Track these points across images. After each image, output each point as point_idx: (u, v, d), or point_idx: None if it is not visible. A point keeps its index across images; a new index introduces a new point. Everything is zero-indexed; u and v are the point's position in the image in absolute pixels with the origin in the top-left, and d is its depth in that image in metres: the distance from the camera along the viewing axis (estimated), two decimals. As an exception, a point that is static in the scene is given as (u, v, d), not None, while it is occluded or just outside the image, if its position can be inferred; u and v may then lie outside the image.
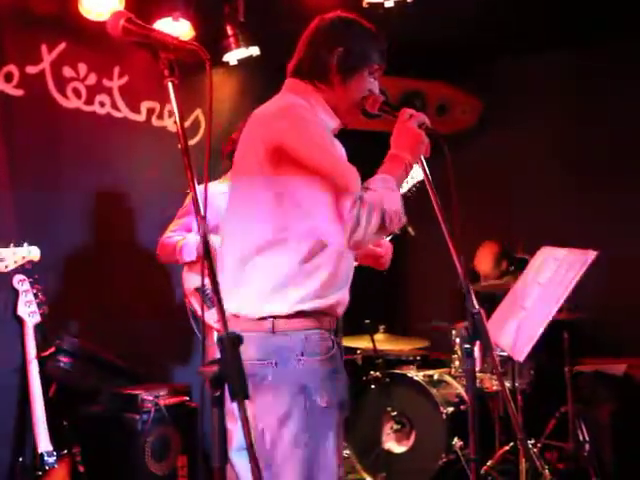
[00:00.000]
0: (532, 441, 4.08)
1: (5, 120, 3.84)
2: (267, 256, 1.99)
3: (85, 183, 4.16)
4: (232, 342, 1.39)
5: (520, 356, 2.67)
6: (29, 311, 3.49)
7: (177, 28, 4.07)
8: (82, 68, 4.18)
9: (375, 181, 2.01)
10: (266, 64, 4.37)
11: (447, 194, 2.00)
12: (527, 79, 5.49)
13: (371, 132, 4.05)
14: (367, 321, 4.43)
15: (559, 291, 2.67)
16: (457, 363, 4.46)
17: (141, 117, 4.46)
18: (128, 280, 4.28)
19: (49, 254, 3.67)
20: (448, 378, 4.52)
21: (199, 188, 1.49)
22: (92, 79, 4.23)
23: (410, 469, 4.20)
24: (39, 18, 3.94)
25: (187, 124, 4.60)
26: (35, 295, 3.53)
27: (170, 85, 1.52)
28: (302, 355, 1.99)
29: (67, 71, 4.12)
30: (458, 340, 4.44)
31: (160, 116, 4.53)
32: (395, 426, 4.28)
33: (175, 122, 1.53)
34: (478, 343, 2.06)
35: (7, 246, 3.29)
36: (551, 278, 2.81)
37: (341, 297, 2.10)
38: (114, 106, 4.33)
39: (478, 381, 4.32)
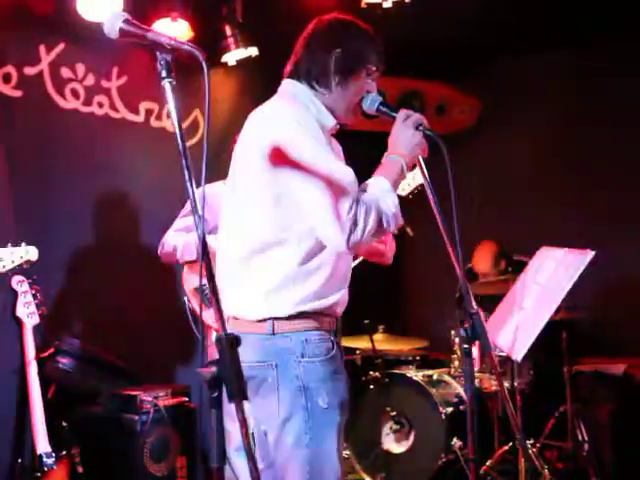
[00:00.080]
0: (531, 441, 4.08)
1: (3, 121, 3.84)
2: (266, 257, 1.99)
3: (84, 184, 4.16)
4: (230, 343, 1.39)
5: (518, 356, 2.67)
6: (28, 312, 3.49)
7: (175, 29, 4.06)
8: (80, 69, 4.18)
9: (372, 183, 2.01)
10: (265, 65, 4.38)
11: (446, 195, 2.00)
12: (526, 79, 5.49)
13: (369, 132, 4.05)
14: (366, 321, 4.43)
15: (557, 291, 2.67)
16: (456, 363, 4.47)
17: (140, 118, 4.46)
18: (128, 280, 4.27)
19: (48, 254, 3.67)
20: (447, 378, 4.52)
21: (198, 188, 1.49)
22: (90, 80, 4.23)
23: (409, 469, 4.20)
24: (37, 19, 3.94)
25: (185, 125, 4.60)
26: (34, 296, 3.53)
27: (167, 86, 1.52)
28: (302, 357, 1.99)
29: (65, 72, 4.12)
30: (457, 340, 4.43)
31: (159, 117, 4.53)
32: (394, 426, 4.28)
33: (174, 121, 1.53)
34: (477, 343, 2.06)
35: (5, 246, 3.29)
36: (549, 278, 2.81)
37: (340, 297, 2.11)
38: (112, 107, 4.33)
39: (477, 381, 4.32)
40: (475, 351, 4.19)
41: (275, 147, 1.93)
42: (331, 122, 2.16)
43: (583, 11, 4.66)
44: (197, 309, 3.62)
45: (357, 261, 3.90)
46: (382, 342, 4.67)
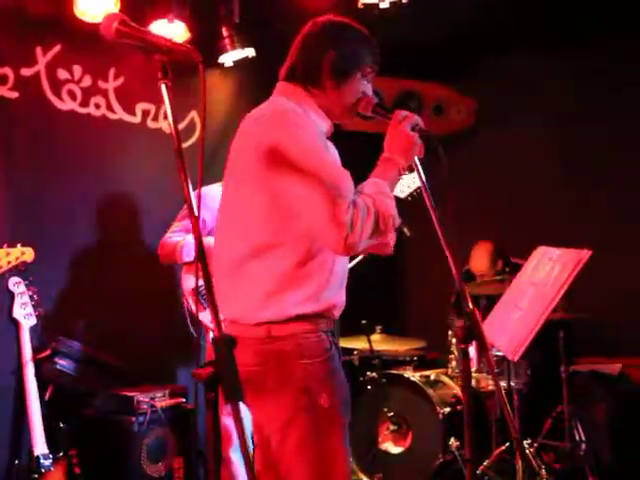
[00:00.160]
0: (528, 441, 4.08)
1: (0, 122, 3.84)
2: (263, 259, 1.98)
3: (80, 185, 4.16)
4: (226, 344, 1.39)
5: (515, 356, 2.67)
6: (25, 313, 3.50)
7: (172, 30, 4.06)
8: (77, 70, 4.18)
9: (368, 185, 2.01)
10: (262, 65, 4.38)
11: (443, 195, 2.00)
12: (523, 79, 5.49)
13: (366, 133, 4.06)
14: (364, 322, 4.44)
15: (553, 291, 2.67)
16: (454, 363, 4.47)
17: (136, 119, 4.46)
18: (125, 281, 4.27)
19: (45, 256, 3.68)
20: (445, 378, 4.53)
21: (196, 190, 1.50)
22: (87, 81, 4.22)
23: (407, 470, 4.20)
24: (34, 20, 3.94)
25: (182, 126, 4.61)
26: (31, 297, 3.54)
27: (163, 87, 1.52)
28: (301, 358, 1.99)
29: (62, 73, 4.12)
30: (454, 340, 4.44)
31: (155, 118, 4.53)
32: (392, 427, 4.29)
33: (170, 123, 1.53)
34: (474, 343, 2.06)
35: (0, 247, 3.30)
36: (545, 278, 2.81)
37: (338, 300, 2.10)
38: (109, 108, 4.32)
39: (474, 381, 4.33)
40: (472, 351, 4.20)
41: (271, 149, 1.93)
42: (327, 124, 2.16)
43: (581, 11, 4.67)
44: (195, 309, 3.63)
45: (354, 262, 3.91)
46: (379, 342, 4.67)
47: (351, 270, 3.16)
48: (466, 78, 5.63)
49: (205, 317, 3.56)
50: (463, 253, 4.97)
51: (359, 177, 2.07)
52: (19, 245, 3.38)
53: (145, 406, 3.72)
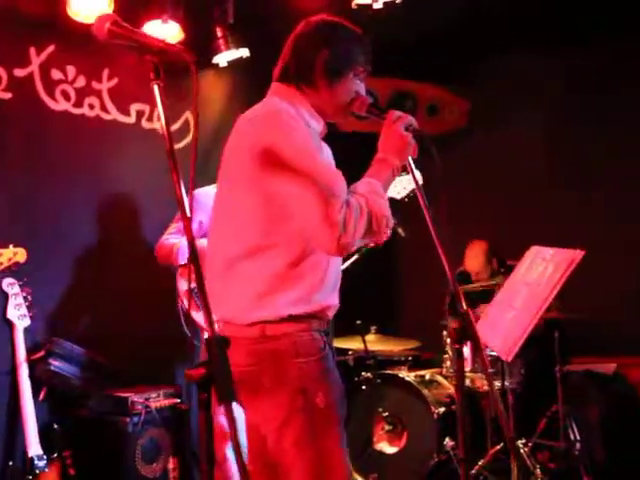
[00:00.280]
0: (523, 441, 4.09)
1: (-6, 123, 3.85)
2: (255, 260, 1.98)
3: (74, 185, 4.15)
4: (219, 344, 1.39)
5: (508, 356, 2.67)
6: (19, 314, 3.49)
7: (166, 30, 4.06)
8: (71, 70, 4.17)
9: (362, 185, 2.01)
10: (256, 66, 4.37)
11: (436, 195, 2.00)
12: (518, 79, 5.50)
13: (361, 133, 4.06)
14: (358, 322, 4.44)
15: (546, 291, 2.67)
16: (448, 363, 4.47)
17: (131, 119, 4.46)
18: (121, 281, 4.27)
19: (39, 256, 3.67)
20: (439, 378, 4.53)
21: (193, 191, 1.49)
22: (81, 81, 4.22)
23: (402, 470, 4.20)
24: (27, 21, 3.93)
25: (177, 126, 4.61)
26: (25, 298, 3.54)
27: (156, 88, 1.52)
28: (296, 357, 1.99)
29: (56, 74, 4.11)
30: (449, 340, 4.44)
31: (150, 118, 4.53)
32: (387, 427, 4.29)
33: (162, 124, 1.53)
34: (469, 343, 2.06)
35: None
36: (539, 278, 2.82)
37: (331, 300, 2.10)
38: (103, 108, 4.32)
39: (469, 381, 4.33)
40: (467, 351, 4.20)
41: (265, 150, 1.93)
42: (320, 124, 2.16)
43: (582, 10, 4.68)
44: (190, 310, 3.63)
45: (349, 262, 3.91)
46: (374, 343, 4.67)
47: (346, 270, 3.17)
48: (460, 78, 5.63)
49: (200, 318, 3.56)
50: (457, 254, 4.98)
51: (353, 177, 2.07)
52: (11, 246, 3.38)
53: (140, 407, 3.73)
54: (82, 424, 3.81)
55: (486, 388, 4.28)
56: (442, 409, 4.20)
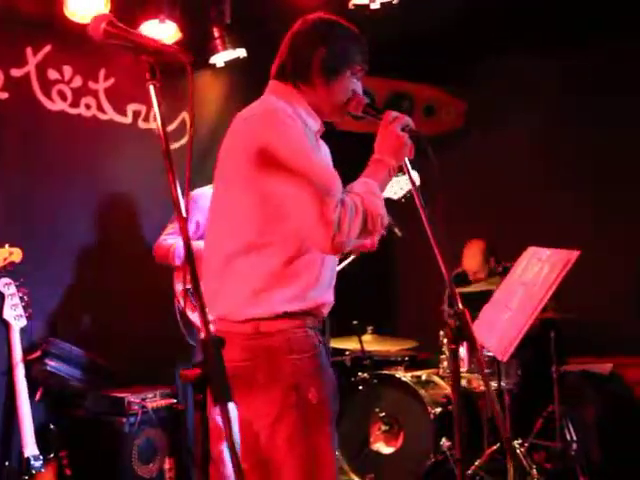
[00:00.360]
0: (520, 441, 4.09)
1: (-10, 123, 3.84)
2: (251, 258, 1.99)
3: (71, 185, 4.15)
4: (214, 345, 1.39)
5: (504, 356, 2.67)
6: (15, 314, 3.49)
7: (163, 30, 4.06)
8: (67, 71, 4.17)
9: (358, 184, 2.02)
10: (253, 66, 4.37)
11: (433, 195, 2.01)
12: (514, 80, 5.51)
13: (359, 133, 4.05)
14: (355, 322, 4.44)
15: (542, 291, 2.68)
16: (445, 363, 4.47)
17: (127, 119, 4.45)
18: (118, 281, 4.27)
19: (36, 256, 3.67)
20: (436, 379, 4.54)
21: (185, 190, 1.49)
22: (77, 81, 4.22)
23: (398, 470, 4.20)
24: (24, 21, 3.93)
25: (174, 126, 4.61)
26: (21, 298, 3.53)
27: (151, 88, 1.52)
28: (290, 353, 1.99)
29: (52, 74, 4.11)
30: (446, 340, 4.44)
31: (146, 118, 4.52)
32: (383, 427, 4.29)
33: (158, 124, 1.53)
34: (465, 343, 2.07)
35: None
36: (534, 278, 2.82)
37: (326, 298, 2.11)
38: (100, 108, 4.32)
39: (466, 381, 4.34)
40: (463, 351, 4.20)
41: (261, 149, 1.93)
42: (317, 122, 2.16)
43: (579, 11, 4.68)
44: (187, 310, 3.63)
45: (346, 262, 3.91)
46: (371, 343, 4.68)
47: (342, 271, 3.17)
48: (457, 79, 5.64)
49: (196, 318, 3.57)
50: (454, 254, 4.99)
51: (350, 177, 2.07)
52: (7, 245, 3.38)
53: (136, 407, 3.72)
54: (78, 424, 3.81)
55: (482, 388, 4.28)
56: (439, 409, 4.20)
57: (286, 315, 1.99)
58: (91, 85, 4.28)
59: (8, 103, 3.90)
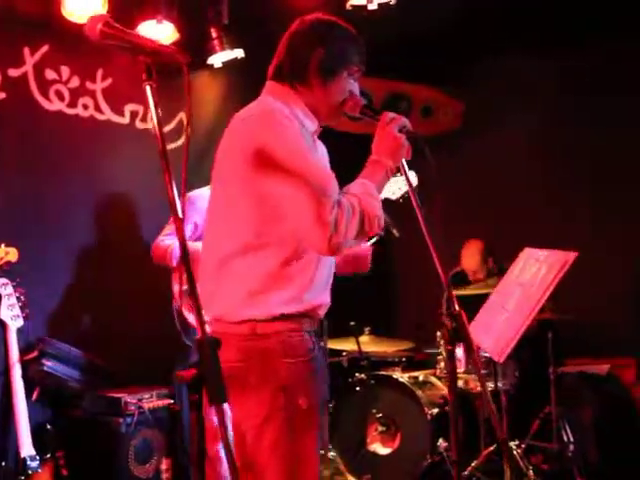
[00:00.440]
0: (516, 442, 4.09)
1: (-13, 123, 3.84)
2: (248, 259, 1.99)
3: (69, 185, 4.15)
4: (210, 346, 1.39)
5: (501, 357, 2.67)
6: (12, 315, 3.48)
7: (161, 31, 4.06)
8: (65, 71, 4.17)
9: (355, 185, 2.02)
10: (251, 67, 4.37)
11: (430, 196, 2.01)
12: (511, 81, 5.51)
13: (357, 134, 4.05)
14: (352, 323, 4.44)
15: (540, 292, 2.68)
16: (442, 364, 4.47)
17: (125, 120, 4.45)
18: (115, 281, 4.27)
19: (33, 256, 3.67)
20: (433, 379, 4.54)
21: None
22: (75, 82, 4.22)
23: (395, 471, 4.20)
24: (21, 20, 3.93)
25: (171, 127, 4.61)
26: (18, 299, 3.53)
27: (148, 89, 1.52)
28: (284, 357, 1.99)
29: (50, 74, 4.11)
30: (443, 342, 4.44)
31: (144, 119, 4.52)
32: (380, 428, 4.28)
33: (154, 125, 1.53)
34: (463, 344, 2.07)
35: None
36: (532, 279, 2.82)
37: (322, 299, 2.11)
38: (97, 109, 4.32)
39: (463, 382, 4.34)
40: (460, 352, 4.20)
41: (258, 150, 1.93)
42: (314, 123, 2.16)
43: (577, 11, 4.69)
44: (184, 311, 3.63)
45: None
46: (368, 344, 4.67)
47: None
48: (454, 80, 5.64)
49: (193, 318, 3.57)
50: (452, 254, 5.00)
51: (347, 178, 2.07)
52: (3, 245, 3.37)
53: (133, 407, 3.72)
54: (75, 424, 3.81)
55: (479, 389, 4.28)
56: (435, 410, 4.20)
57: (283, 317, 1.99)
58: (89, 85, 4.28)
59: (5, 103, 3.90)
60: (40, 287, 3.91)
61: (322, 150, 2.26)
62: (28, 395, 3.48)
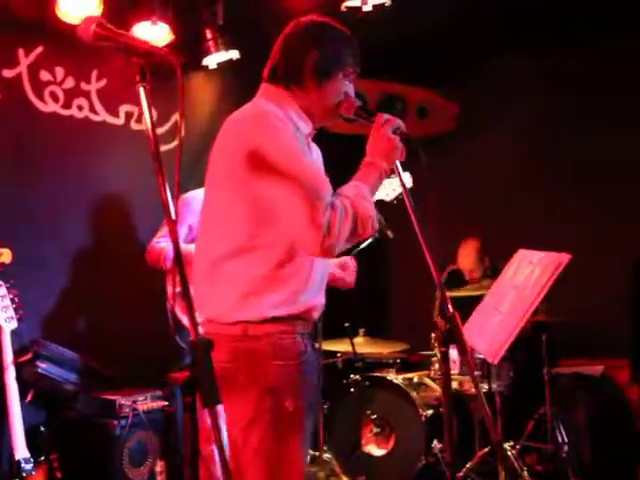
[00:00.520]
0: (511, 443, 4.10)
1: (-18, 124, 3.83)
2: (241, 261, 1.98)
3: (63, 186, 4.14)
4: (203, 347, 1.39)
5: (495, 359, 2.67)
6: (6, 316, 3.47)
7: (156, 32, 4.05)
8: (59, 72, 4.16)
9: (348, 187, 2.02)
10: (246, 68, 4.37)
11: (424, 198, 2.01)
12: (507, 82, 5.52)
13: (352, 136, 4.05)
14: (347, 324, 4.44)
15: (533, 294, 2.68)
16: (436, 366, 4.48)
17: (120, 121, 4.45)
18: (109, 283, 4.26)
19: (27, 257, 3.66)
20: (428, 381, 4.54)
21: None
22: (70, 83, 4.21)
23: (390, 472, 4.20)
24: (16, 22, 3.91)
25: (166, 128, 4.60)
26: (12, 300, 3.51)
27: (141, 90, 1.52)
28: (274, 359, 1.99)
29: (44, 75, 4.11)
30: (437, 343, 4.45)
31: (139, 120, 4.52)
32: (375, 429, 4.29)
33: (148, 126, 1.53)
34: (457, 346, 2.06)
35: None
36: (525, 281, 2.82)
37: (316, 301, 2.10)
38: (92, 110, 4.31)
39: (457, 384, 4.34)
40: (455, 354, 4.21)
41: (252, 152, 1.93)
42: (308, 125, 2.16)
43: (575, 11, 4.69)
44: (178, 312, 3.62)
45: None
46: (363, 345, 4.68)
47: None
48: (449, 82, 5.64)
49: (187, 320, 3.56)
50: (446, 256, 5.00)
51: (341, 179, 2.07)
52: (-4, 246, 3.37)
53: (127, 409, 3.71)
54: (69, 427, 3.80)
55: (474, 391, 4.28)
56: (430, 412, 4.20)
57: (275, 319, 1.99)
58: (83, 86, 4.27)
59: (0, 104, 3.89)
60: (34, 289, 3.89)
61: (316, 152, 2.26)
62: (22, 397, 3.46)
